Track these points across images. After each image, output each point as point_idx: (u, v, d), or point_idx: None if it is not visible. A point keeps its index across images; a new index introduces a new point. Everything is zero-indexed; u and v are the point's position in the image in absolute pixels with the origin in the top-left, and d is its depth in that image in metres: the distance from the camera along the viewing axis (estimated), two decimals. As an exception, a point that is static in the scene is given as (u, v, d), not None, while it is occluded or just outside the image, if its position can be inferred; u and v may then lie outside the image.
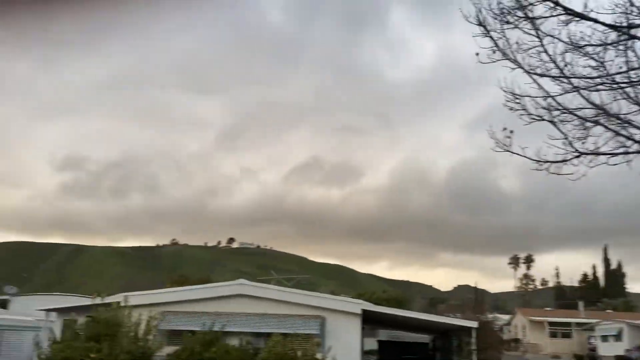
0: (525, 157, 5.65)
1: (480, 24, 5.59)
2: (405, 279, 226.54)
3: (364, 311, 19.96)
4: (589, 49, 5.57)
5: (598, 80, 5.60)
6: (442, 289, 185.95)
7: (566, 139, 5.58)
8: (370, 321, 26.01)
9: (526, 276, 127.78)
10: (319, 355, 16.48)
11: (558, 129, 5.58)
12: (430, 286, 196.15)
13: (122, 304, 16.72)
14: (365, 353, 23.89)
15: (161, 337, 17.05)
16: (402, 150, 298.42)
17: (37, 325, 23.33)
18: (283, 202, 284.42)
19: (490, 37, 5.57)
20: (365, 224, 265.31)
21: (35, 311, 24.73)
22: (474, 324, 21.69)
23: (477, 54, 5.55)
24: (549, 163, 5.66)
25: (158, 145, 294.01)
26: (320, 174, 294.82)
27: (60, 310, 20.82)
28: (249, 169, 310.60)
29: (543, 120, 5.59)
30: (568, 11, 5.21)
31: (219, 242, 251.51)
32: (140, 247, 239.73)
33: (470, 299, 68.89)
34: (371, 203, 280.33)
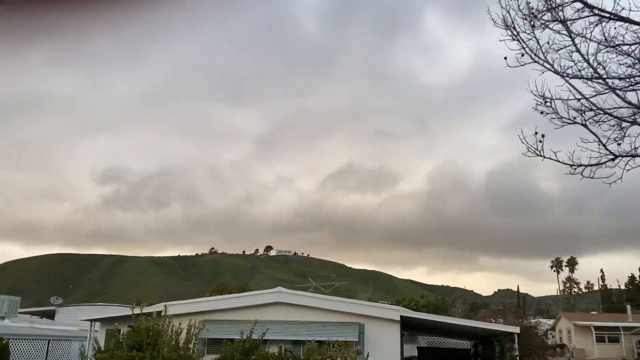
0: (558, 161, 5.53)
1: (508, 26, 5.52)
2: (444, 284, 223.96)
3: (403, 317, 19.81)
4: (624, 47, 5.44)
5: (634, 79, 5.47)
6: (483, 294, 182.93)
7: (600, 141, 5.44)
8: (409, 327, 25.78)
9: (569, 279, 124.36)
10: (357, 363, 16.42)
11: (591, 131, 5.45)
12: (470, 291, 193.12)
13: (163, 313, 17.04)
14: (404, 360, 23.68)
15: (201, 346, 17.28)
16: (438, 154, 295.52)
17: (81, 335, 23.98)
18: (319, 209, 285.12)
19: (519, 39, 5.50)
20: (403, 229, 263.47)
21: (79, 321, 25.43)
22: (516, 329, 21.25)
23: (506, 58, 5.49)
24: (582, 167, 5.52)
25: (196, 156, 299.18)
26: (356, 180, 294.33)
27: (103, 320, 21.34)
28: (285, 177, 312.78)
29: (576, 123, 5.47)
30: (599, 12, 5.12)
31: (256, 250, 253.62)
32: (180, 256, 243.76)
33: (511, 303, 67.49)
34: (408, 208, 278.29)
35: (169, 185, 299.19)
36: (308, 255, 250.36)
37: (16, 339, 18.48)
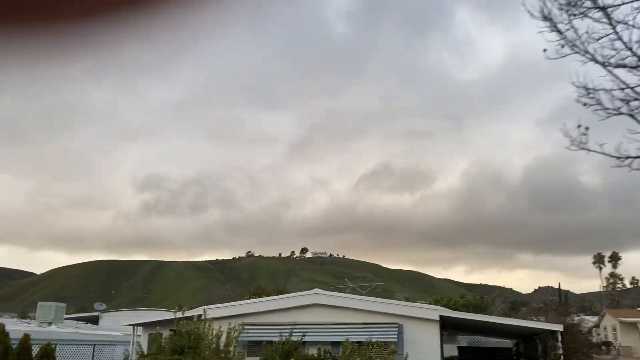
0: (604, 154, 5.33)
1: (545, 17, 5.37)
2: (483, 282, 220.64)
3: (442, 317, 19.57)
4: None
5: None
6: (523, 292, 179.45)
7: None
8: (448, 327, 25.45)
9: (613, 275, 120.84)
10: (397, 363, 16.31)
11: (638, 121, 5.24)
12: (510, 289, 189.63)
13: (203, 317, 17.24)
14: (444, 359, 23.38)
15: (241, 348, 17.41)
16: (473, 151, 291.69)
17: (125, 339, 24.46)
18: (354, 210, 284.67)
19: (558, 30, 5.34)
20: (439, 228, 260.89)
21: (122, 326, 25.95)
22: (559, 327, 20.76)
23: (545, 50, 5.34)
24: (631, 159, 5.31)
25: (231, 161, 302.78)
26: (391, 180, 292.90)
27: (145, 325, 21.72)
28: (319, 179, 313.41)
29: (621, 114, 5.27)
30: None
31: (292, 253, 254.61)
32: (217, 260, 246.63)
33: (553, 300, 66.00)
34: (444, 207, 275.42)
35: (206, 190, 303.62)
36: (344, 256, 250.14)
37: (63, 344, 18.97)
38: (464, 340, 32.82)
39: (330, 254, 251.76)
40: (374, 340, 16.68)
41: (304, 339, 17.01)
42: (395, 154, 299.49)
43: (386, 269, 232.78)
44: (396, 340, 18.58)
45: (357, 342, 16.65)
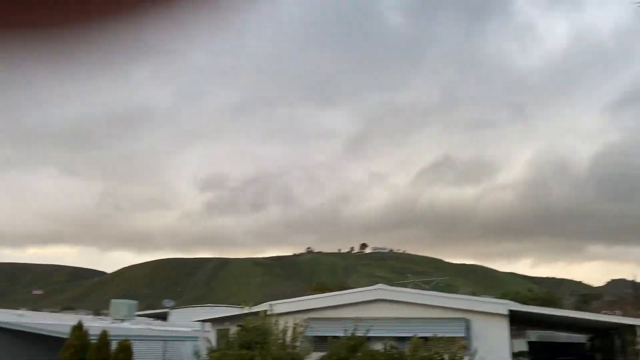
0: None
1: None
2: (551, 275, 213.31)
3: (512, 311, 19.03)
4: None
5: None
6: (594, 285, 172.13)
7: None
8: (517, 322, 24.72)
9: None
10: (465, 359, 15.97)
11: None
12: (580, 282, 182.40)
13: (269, 312, 17.47)
14: (514, 355, 22.73)
15: (307, 344, 17.51)
16: (538, 140, 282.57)
17: (193, 335, 25.13)
18: (414, 204, 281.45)
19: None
20: (504, 221, 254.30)
21: (190, 322, 26.67)
22: (638, 322, 19.76)
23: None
24: None
25: (290, 158, 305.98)
26: (452, 173, 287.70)
27: (213, 321, 22.21)
28: (378, 173, 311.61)
29: None
30: None
31: (352, 248, 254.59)
32: (278, 257, 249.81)
33: (628, 293, 62.98)
34: (509, 199, 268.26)
35: (266, 188, 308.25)
36: (404, 251, 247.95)
37: (136, 340, 19.64)
38: (534, 335, 31.82)
39: (391, 250, 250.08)
40: (440, 335, 16.41)
41: (368, 334, 16.94)
42: (456, 145, 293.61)
43: (448, 263, 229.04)
44: (464, 335, 18.21)
45: (423, 338, 16.43)
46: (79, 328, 16.98)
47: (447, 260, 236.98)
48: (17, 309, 35.00)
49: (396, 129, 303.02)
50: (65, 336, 17.23)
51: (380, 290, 20.29)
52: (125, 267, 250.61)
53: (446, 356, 15.45)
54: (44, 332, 18.81)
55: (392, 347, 16.79)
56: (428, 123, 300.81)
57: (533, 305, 31.11)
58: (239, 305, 28.30)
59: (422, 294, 21.28)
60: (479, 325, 18.64)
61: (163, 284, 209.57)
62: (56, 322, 21.52)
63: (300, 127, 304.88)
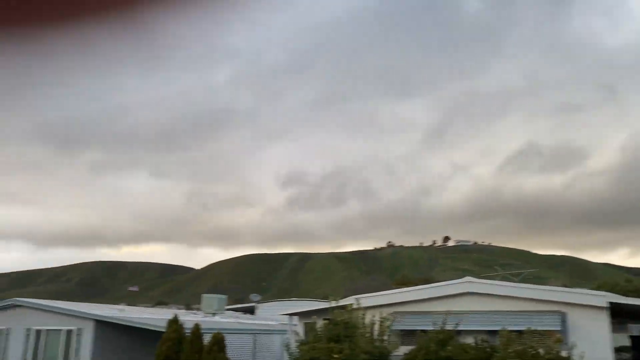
0: None
1: None
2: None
3: (611, 304, 17.97)
4: None
5: None
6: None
7: None
8: (617, 315, 23.32)
9: None
10: (563, 353, 15.25)
11: None
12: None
13: (355, 306, 17.50)
14: (616, 350, 21.48)
15: (395, 337, 17.40)
16: (632, 122, 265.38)
17: (281, 328, 25.65)
18: (499, 194, 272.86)
19: None
20: (596, 209, 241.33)
21: (277, 316, 27.23)
22: None
23: None
24: None
25: (368, 152, 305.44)
26: (539, 161, 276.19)
27: (300, 314, 22.54)
28: (459, 164, 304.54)
29: None
30: None
31: (434, 242, 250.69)
32: (359, 251, 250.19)
33: None
34: (601, 186, 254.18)
35: (345, 183, 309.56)
36: (489, 243, 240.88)
37: (227, 333, 20.30)
38: (637, 329, 29.90)
39: (475, 242, 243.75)
40: (534, 329, 15.77)
41: (458, 328, 16.58)
42: (542, 131, 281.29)
43: (536, 255, 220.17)
44: (560, 328, 17.41)
45: (516, 331, 15.86)
46: (175, 322, 17.78)
47: (535, 251, 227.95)
48: (117, 304, 37.14)
49: (477, 117, 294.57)
50: (162, 329, 18.10)
51: (468, 283, 19.78)
52: (213, 263, 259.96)
53: (541, 350, 14.83)
54: (143, 326, 19.84)
55: (483, 340, 16.33)
56: (511, 109, 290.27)
57: (633, 297, 29.25)
58: (323, 299, 28.63)
59: (512, 286, 20.56)
60: (575, 318, 17.76)
61: (248, 278, 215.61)
62: (153, 317, 22.65)
63: (379, 120, 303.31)
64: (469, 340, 16.80)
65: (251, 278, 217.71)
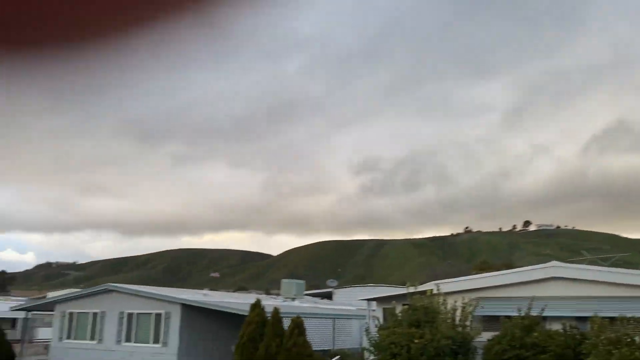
0: None
1: None
2: None
3: None
4: None
5: None
6: None
7: None
8: None
9: None
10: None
11: None
12: None
13: (435, 292, 17.26)
14: None
15: (477, 323, 17.03)
16: None
17: (359, 313, 25.76)
18: (583, 176, 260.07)
19: None
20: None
21: (355, 301, 27.36)
22: None
23: None
24: None
25: (443, 135, 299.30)
26: (628, 139, 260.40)
27: (378, 299, 22.53)
28: (541, 145, 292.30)
29: None
30: None
31: (514, 227, 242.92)
32: (436, 237, 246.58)
33: None
34: None
35: (420, 168, 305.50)
36: (573, 227, 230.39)
37: (306, 317, 20.64)
38: None
39: (558, 226, 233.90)
40: (629, 315, 14.92)
41: (543, 314, 16.00)
42: (633, 108, 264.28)
43: (626, 239, 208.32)
44: (657, 316, 16.39)
45: (608, 318, 15.08)
46: (257, 305, 18.25)
47: (625, 235, 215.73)
48: (200, 290, 38.59)
49: (560, 95, 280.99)
50: (244, 313, 18.64)
51: (554, 268, 18.99)
52: (289, 250, 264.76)
53: (637, 338, 14.02)
54: (226, 310, 20.51)
55: (572, 327, 15.67)
56: (597, 86, 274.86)
57: None
58: (399, 285, 28.42)
59: (603, 271, 19.55)
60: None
61: (324, 265, 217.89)
62: (235, 301, 23.36)
63: (454, 102, 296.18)
64: (556, 326, 16.17)
65: (326, 265, 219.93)
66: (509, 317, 16.45)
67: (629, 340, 13.94)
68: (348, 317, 26.01)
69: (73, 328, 23.60)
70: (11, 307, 29.33)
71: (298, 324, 17.13)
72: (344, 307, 27.85)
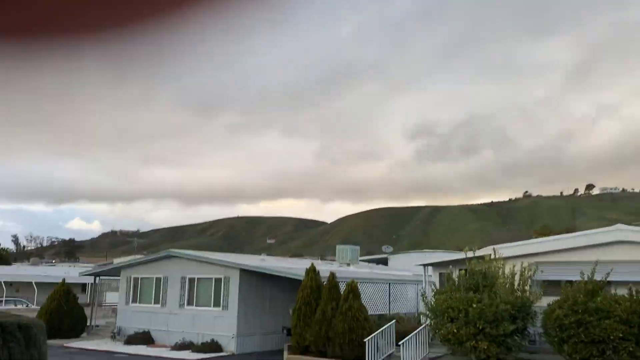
0: None
1: None
2: None
3: None
4: None
5: None
6: None
7: None
8: None
9: None
10: None
11: None
12: None
13: (493, 256, 16.94)
14: None
15: (537, 288, 16.65)
16: None
17: (414, 279, 25.68)
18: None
19: None
20: None
21: (411, 266, 27.27)
22: None
23: None
24: None
25: (503, 97, 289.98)
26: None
27: (435, 265, 22.36)
28: (607, 105, 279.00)
29: None
30: None
31: (576, 190, 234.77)
32: (493, 202, 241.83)
33: None
34: None
35: (477, 131, 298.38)
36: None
37: (362, 282, 20.75)
38: None
39: (624, 189, 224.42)
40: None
41: (608, 279, 15.43)
42: None
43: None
44: None
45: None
46: (312, 270, 18.46)
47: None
48: (258, 255, 39.42)
49: (630, 51, 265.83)
50: (299, 277, 18.91)
51: (620, 231, 18.23)
52: (343, 217, 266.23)
53: None
54: (283, 274, 20.87)
55: (638, 291, 15.06)
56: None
57: None
58: (455, 250, 28.08)
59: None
60: None
61: (378, 231, 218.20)
62: (292, 266, 23.72)
63: (514, 62, 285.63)
64: (621, 291, 15.59)
65: (381, 231, 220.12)
66: (570, 282, 15.98)
67: (701, 305, 13.31)
68: (404, 282, 25.97)
69: (138, 292, 24.66)
70: (80, 273, 30.92)
71: (353, 288, 17.23)
72: (399, 273, 27.83)
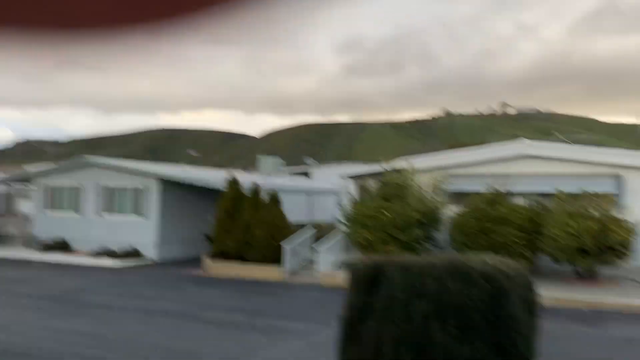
0: None
1: None
2: None
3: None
4: None
5: None
6: None
7: None
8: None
9: None
10: (616, 214, 15.19)
11: None
12: None
13: (407, 168, 17.77)
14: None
15: (446, 197, 17.75)
16: None
17: (334, 190, 26.56)
18: (568, 58, 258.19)
19: None
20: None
21: (331, 178, 28.08)
22: None
23: None
24: None
25: (430, 14, 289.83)
26: (617, 20, 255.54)
27: (354, 177, 23.14)
28: (526, 25, 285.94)
29: None
30: None
31: (494, 110, 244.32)
32: (415, 120, 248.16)
33: None
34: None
35: (404, 48, 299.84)
36: (552, 111, 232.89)
37: (283, 192, 21.25)
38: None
39: (537, 110, 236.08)
40: (589, 191, 15.67)
41: (511, 190, 16.69)
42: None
43: (602, 123, 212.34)
44: (616, 192, 17.24)
45: (571, 194, 15.84)
46: (234, 181, 18.67)
47: (601, 119, 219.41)
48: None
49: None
50: (222, 188, 19.11)
51: (522, 146, 19.51)
52: (271, 133, 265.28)
53: (594, 211, 14.84)
54: (204, 184, 20.96)
55: (536, 202, 16.45)
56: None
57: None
58: (378, 162, 29.05)
59: (568, 149, 20.14)
60: (634, 182, 17.47)
61: (304, 147, 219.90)
62: (213, 176, 23.81)
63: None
64: (522, 202, 16.94)
65: (307, 146, 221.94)
66: (478, 193, 17.14)
67: (585, 211, 14.77)
68: (324, 193, 26.82)
69: (55, 201, 24.06)
70: (-9, 181, 29.57)
71: (274, 197, 17.68)
72: (320, 185, 28.62)
